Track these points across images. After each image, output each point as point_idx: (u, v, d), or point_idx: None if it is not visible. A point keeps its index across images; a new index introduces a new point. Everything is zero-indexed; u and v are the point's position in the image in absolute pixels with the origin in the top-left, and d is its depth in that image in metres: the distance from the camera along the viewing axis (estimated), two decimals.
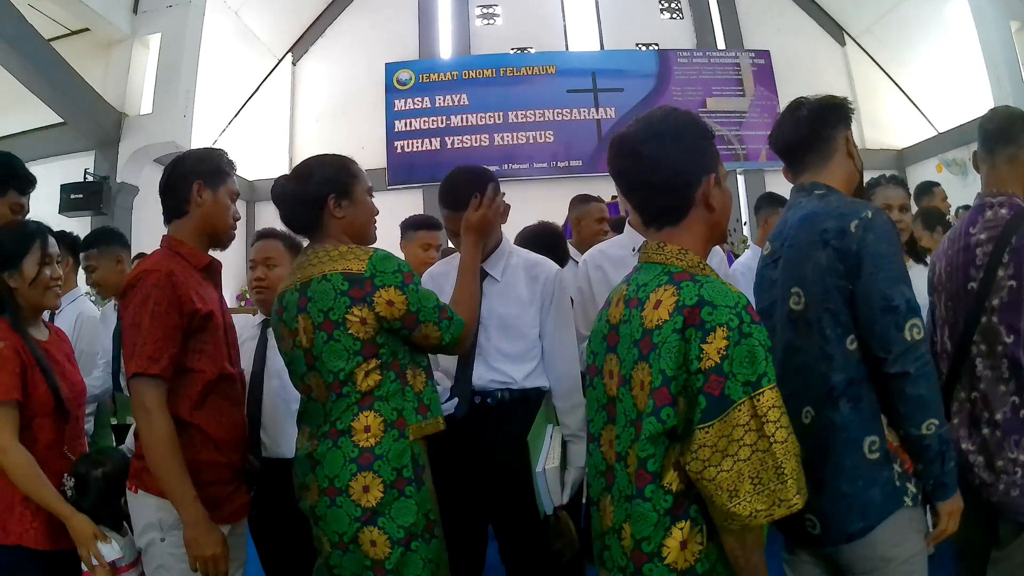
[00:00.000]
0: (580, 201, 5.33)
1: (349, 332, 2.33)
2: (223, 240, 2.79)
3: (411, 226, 4.79)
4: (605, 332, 2.03)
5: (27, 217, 3.16)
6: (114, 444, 4.52)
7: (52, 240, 2.91)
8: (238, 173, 2.88)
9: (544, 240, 4.01)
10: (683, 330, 1.72)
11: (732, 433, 1.67)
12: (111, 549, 2.64)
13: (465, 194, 2.79)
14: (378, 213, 2.70)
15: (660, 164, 1.91)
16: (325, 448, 2.37)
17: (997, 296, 2.58)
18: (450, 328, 2.47)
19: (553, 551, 2.97)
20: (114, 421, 5.06)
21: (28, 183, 3.23)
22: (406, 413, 2.39)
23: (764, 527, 1.76)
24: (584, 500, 3.83)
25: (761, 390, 1.69)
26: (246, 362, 3.18)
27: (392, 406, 2.38)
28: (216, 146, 2.90)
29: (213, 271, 2.79)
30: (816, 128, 2.44)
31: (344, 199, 2.55)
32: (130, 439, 3.38)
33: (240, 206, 2.88)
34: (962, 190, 11.14)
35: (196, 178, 2.67)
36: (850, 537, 2.15)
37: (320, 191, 2.52)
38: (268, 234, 3.53)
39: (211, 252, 2.80)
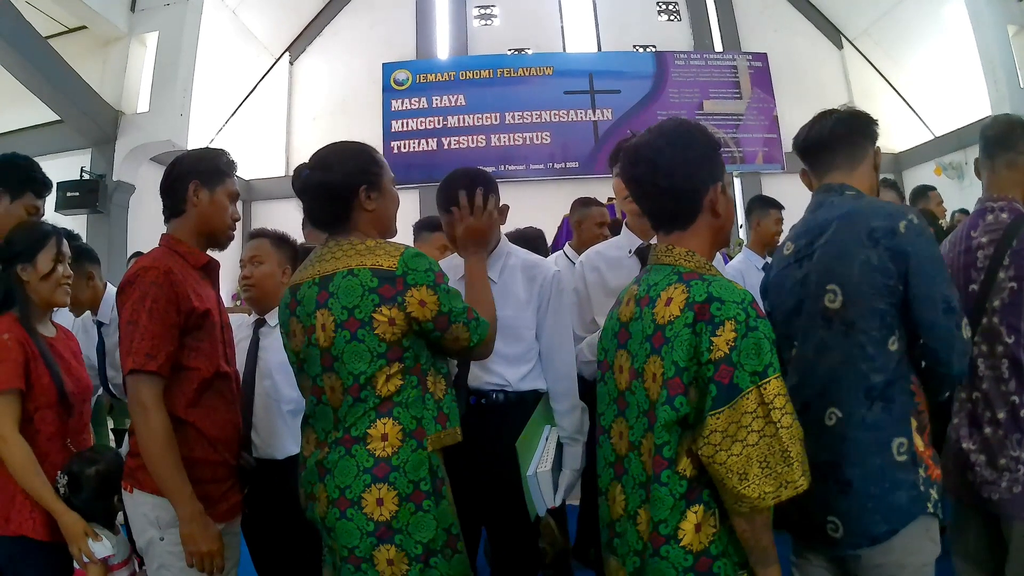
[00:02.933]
0: (581, 204, 5.34)
1: (375, 332, 2.22)
2: (220, 240, 2.80)
3: (426, 227, 4.75)
4: (616, 330, 2.13)
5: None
6: (111, 445, 4.54)
7: (65, 241, 2.97)
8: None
9: (525, 246, 4.01)
10: (694, 324, 1.85)
11: (741, 419, 1.80)
12: (102, 547, 2.66)
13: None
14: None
15: (673, 171, 2.02)
16: (337, 456, 2.27)
17: (998, 297, 2.64)
18: (478, 329, 2.39)
19: (538, 550, 2.99)
20: (111, 425, 5.08)
21: (45, 187, 3.34)
22: (425, 422, 2.29)
23: (771, 509, 1.87)
24: (577, 502, 3.85)
25: (767, 379, 1.81)
26: (240, 362, 3.15)
27: (412, 414, 2.27)
28: (214, 145, 2.90)
29: (211, 270, 2.81)
30: (853, 132, 2.49)
31: (374, 190, 2.44)
32: (127, 441, 3.41)
33: (236, 205, 2.86)
34: (959, 194, 11.18)
35: (193, 178, 2.68)
36: (874, 540, 2.18)
37: (351, 181, 2.40)
38: (256, 234, 3.55)
39: (210, 252, 2.81)
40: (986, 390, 2.66)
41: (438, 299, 2.28)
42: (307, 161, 2.48)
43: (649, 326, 1.97)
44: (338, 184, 2.40)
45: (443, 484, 2.34)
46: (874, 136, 2.53)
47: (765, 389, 1.81)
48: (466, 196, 2.74)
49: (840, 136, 2.49)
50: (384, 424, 2.25)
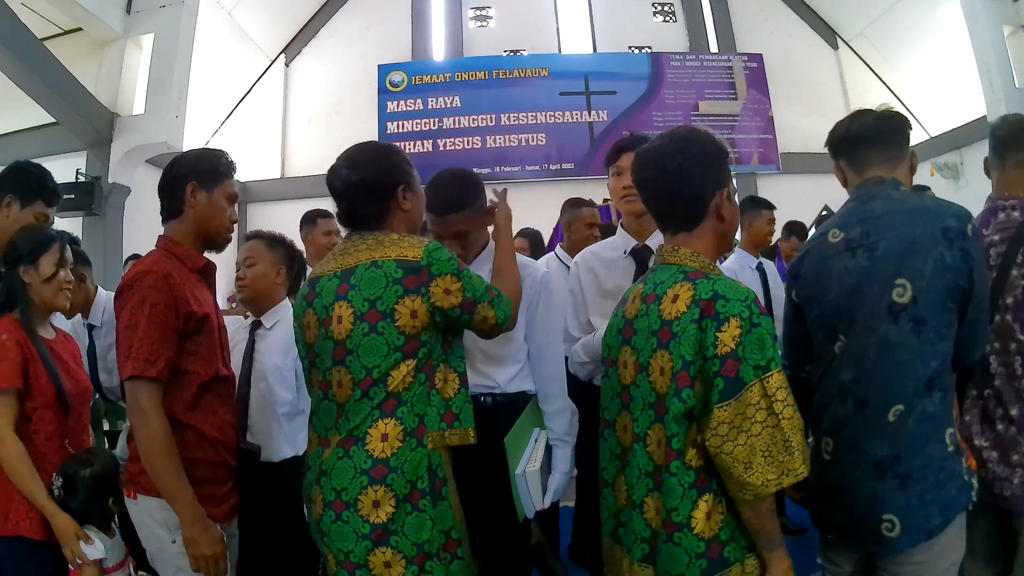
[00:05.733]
0: (571, 205, 5.40)
1: (396, 325, 2.23)
2: (218, 242, 2.80)
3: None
4: (621, 326, 2.23)
5: None
6: (106, 447, 4.54)
7: (69, 247, 2.99)
8: None
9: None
10: (700, 320, 1.94)
11: (746, 411, 1.90)
12: (94, 549, 2.67)
13: (455, 199, 2.78)
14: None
15: (682, 176, 2.11)
16: (335, 458, 2.26)
17: (1011, 295, 2.66)
18: (501, 305, 2.41)
19: (528, 553, 2.99)
20: (105, 426, 5.09)
21: (55, 195, 3.38)
22: (428, 419, 2.27)
23: (774, 497, 1.95)
24: (572, 503, 3.85)
25: (770, 373, 1.91)
26: (235, 364, 3.14)
27: (415, 412, 2.26)
28: (211, 147, 2.89)
29: (208, 273, 2.80)
30: (894, 130, 2.54)
31: (409, 190, 2.49)
32: (122, 447, 3.41)
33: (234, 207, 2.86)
34: (954, 194, 11.19)
35: (191, 179, 2.68)
36: (930, 533, 2.24)
37: (392, 180, 2.45)
38: (251, 236, 3.57)
39: (206, 254, 2.80)
40: (998, 387, 2.66)
41: (462, 285, 2.31)
42: (339, 161, 2.49)
43: (655, 322, 2.05)
44: (380, 183, 2.44)
45: (443, 485, 2.30)
46: (909, 139, 2.58)
47: (768, 382, 1.90)
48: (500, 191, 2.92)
49: (882, 133, 2.53)
50: (386, 424, 2.24)
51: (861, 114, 2.57)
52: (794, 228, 7.47)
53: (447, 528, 2.29)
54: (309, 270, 4.83)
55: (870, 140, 2.54)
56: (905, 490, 2.23)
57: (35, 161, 3.40)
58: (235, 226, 2.86)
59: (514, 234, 4.66)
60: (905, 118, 2.57)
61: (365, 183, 2.43)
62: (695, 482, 1.97)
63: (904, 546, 2.24)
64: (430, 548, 2.23)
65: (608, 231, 3.91)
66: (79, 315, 4.29)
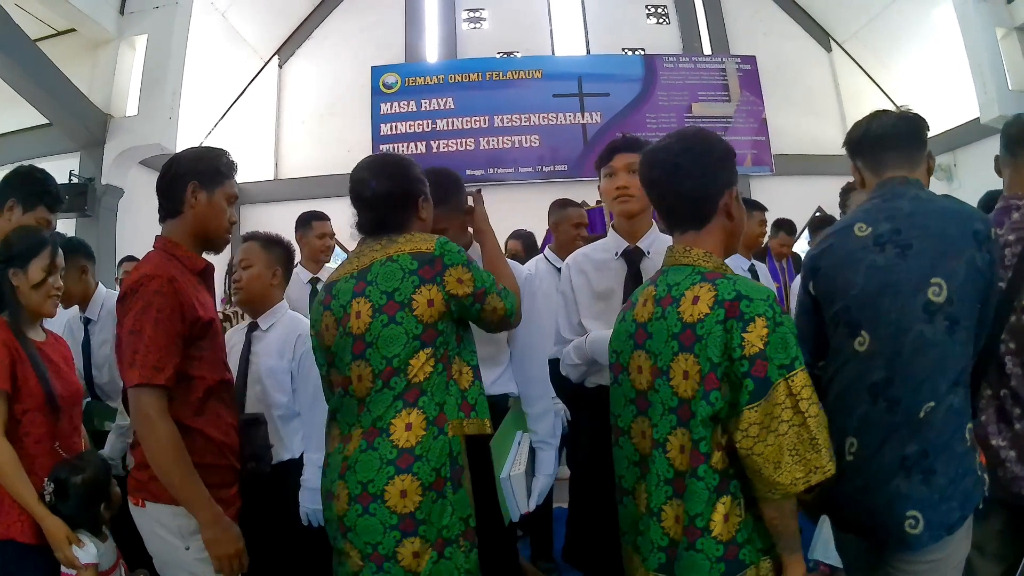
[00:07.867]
0: (559, 206, 5.45)
1: (414, 314, 2.29)
2: (217, 243, 2.79)
3: None
4: (631, 331, 2.21)
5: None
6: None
7: (61, 252, 2.97)
8: None
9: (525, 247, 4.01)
10: (725, 321, 1.94)
11: (773, 411, 1.92)
12: (85, 553, 2.66)
13: (433, 196, 2.77)
14: None
15: (691, 175, 2.13)
16: (358, 451, 2.29)
17: None
18: (508, 297, 2.47)
19: (516, 554, 2.99)
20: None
21: (58, 201, 3.44)
22: (447, 408, 2.32)
23: (796, 498, 1.98)
24: (566, 504, 3.85)
25: (794, 371, 1.94)
26: (231, 367, 3.14)
27: (435, 401, 2.31)
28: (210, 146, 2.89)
29: (207, 275, 2.79)
30: (914, 132, 2.57)
31: (427, 201, 2.58)
32: (111, 447, 3.40)
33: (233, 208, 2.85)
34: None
35: (191, 179, 2.67)
36: (951, 528, 2.25)
37: (416, 191, 2.53)
38: (247, 237, 3.58)
39: (204, 255, 2.80)
40: (1015, 387, 2.66)
41: (472, 276, 2.37)
42: (364, 173, 2.56)
43: (675, 325, 2.05)
44: (405, 193, 2.52)
45: (462, 472, 2.35)
46: (927, 141, 2.61)
47: (792, 381, 1.93)
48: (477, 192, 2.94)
49: (902, 134, 2.56)
50: (409, 414, 2.28)
51: (879, 115, 2.59)
52: (782, 224, 7.46)
53: (465, 516, 2.34)
54: (297, 271, 4.83)
55: (890, 141, 2.55)
56: (929, 485, 2.24)
57: (28, 162, 3.40)
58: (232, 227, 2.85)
59: (507, 236, 4.68)
60: (924, 120, 2.59)
61: (393, 194, 2.51)
62: (718, 485, 1.98)
63: (927, 543, 2.25)
64: (448, 534, 2.27)
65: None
66: (76, 308, 4.29)
